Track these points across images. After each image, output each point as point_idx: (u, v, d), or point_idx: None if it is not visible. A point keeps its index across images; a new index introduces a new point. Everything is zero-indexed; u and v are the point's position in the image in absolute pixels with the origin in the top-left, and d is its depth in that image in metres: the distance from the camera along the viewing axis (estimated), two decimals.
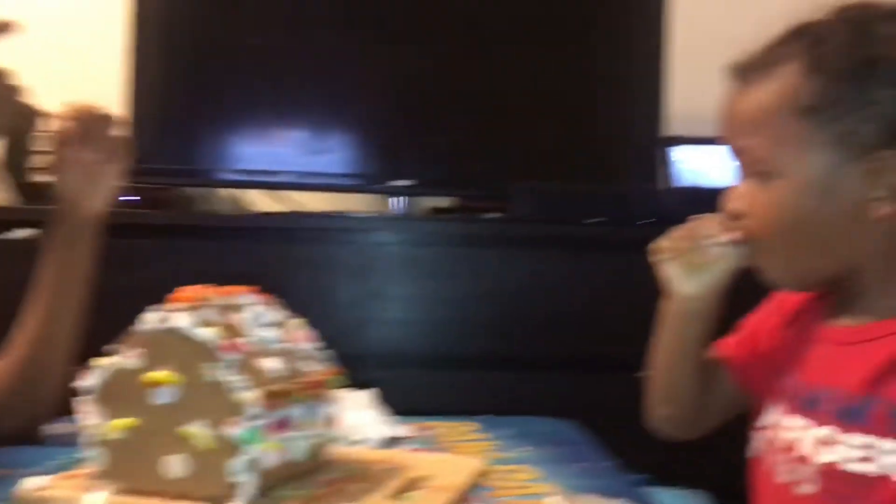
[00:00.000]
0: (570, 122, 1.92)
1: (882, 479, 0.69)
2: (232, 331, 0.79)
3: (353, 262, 1.69)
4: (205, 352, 0.76)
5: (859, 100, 0.70)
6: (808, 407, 0.75)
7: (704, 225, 0.84)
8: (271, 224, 1.75)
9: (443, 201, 2.03)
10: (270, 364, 0.79)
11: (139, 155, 1.76)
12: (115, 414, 0.77)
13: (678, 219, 1.78)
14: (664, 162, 1.91)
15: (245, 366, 0.76)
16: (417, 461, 0.92)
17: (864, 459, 0.69)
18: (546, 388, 1.51)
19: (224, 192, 1.99)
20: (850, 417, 0.71)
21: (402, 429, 1.07)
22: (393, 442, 1.04)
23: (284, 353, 0.83)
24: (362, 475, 0.85)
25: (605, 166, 1.93)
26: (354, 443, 1.02)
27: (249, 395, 0.74)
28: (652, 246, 0.88)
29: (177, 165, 1.83)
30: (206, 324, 0.77)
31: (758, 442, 0.83)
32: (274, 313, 0.88)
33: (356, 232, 1.71)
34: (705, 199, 1.78)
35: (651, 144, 1.89)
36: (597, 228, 1.77)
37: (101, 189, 1.02)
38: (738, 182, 0.79)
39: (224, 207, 2.00)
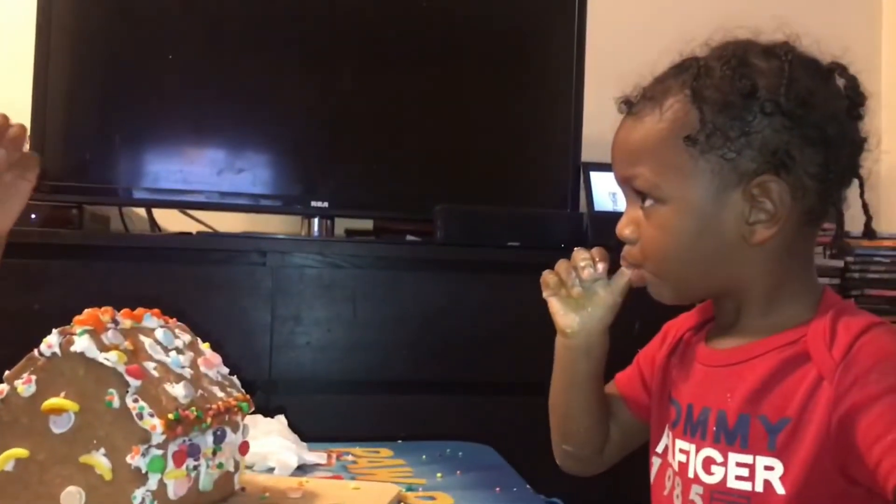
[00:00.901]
0: (490, 146, 1.94)
1: (761, 496, 0.71)
2: (136, 355, 0.77)
3: (269, 285, 1.66)
4: (107, 377, 0.73)
5: (738, 129, 0.73)
6: (695, 429, 0.77)
7: (579, 257, 0.86)
8: (185, 245, 1.70)
9: (363, 223, 2.02)
10: (177, 389, 0.76)
11: (48, 171, 1.72)
12: (6, 444, 0.73)
13: (597, 242, 1.83)
14: (583, 187, 1.94)
15: (149, 391, 0.73)
16: (331, 489, 0.90)
17: (745, 478, 0.72)
18: (463, 411, 1.50)
19: (139, 211, 1.93)
20: (731, 437, 0.73)
21: (314, 455, 1.04)
22: (306, 469, 1.02)
23: (192, 379, 0.81)
24: None
25: (525, 190, 1.96)
26: (266, 470, 1.00)
27: (154, 423, 0.71)
28: (541, 279, 0.89)
29: (87, 183, 1.76)
30: (109, 348, 0.74)
31: (654, 467, 0.85)
32: (181, 337, 0.86)
33: (272, 254, 1.68)
34: None
35: (570, 169, 1.92)
36: (516, 252, 1.78)
37: (8, 206, 0.96)
38: (625, 210, 0.81)
39: (140, 227, 1.94)
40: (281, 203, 1.86)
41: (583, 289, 0.84)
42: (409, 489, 0.94)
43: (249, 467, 1.00)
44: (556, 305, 0.87)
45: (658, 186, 0.76)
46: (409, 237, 1.90)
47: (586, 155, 1.92)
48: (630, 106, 0.81)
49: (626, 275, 0.84)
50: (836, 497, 0.70)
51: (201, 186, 1.79)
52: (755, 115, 0.73)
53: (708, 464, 0.74)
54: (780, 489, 0.70)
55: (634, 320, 1.79)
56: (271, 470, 0.99)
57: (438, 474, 1.01)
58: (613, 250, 1.89)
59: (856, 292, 2.16)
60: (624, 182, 0.80)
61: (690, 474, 0.76)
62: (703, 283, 0.79)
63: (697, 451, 0.76)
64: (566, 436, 0.91)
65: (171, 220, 1.93)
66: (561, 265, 0.88)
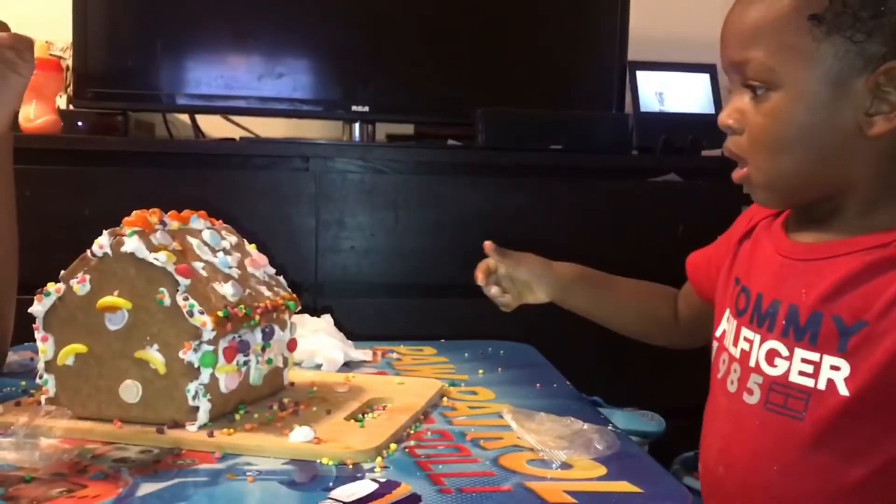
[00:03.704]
0: (532, 47, 1.89)
1: (822, 393, 0.70)
2: (185, 255, 0.79)
3: (312, 190, 1.67)
4: (157, 276, 0.75)
5: (871, 9, 0.67)
6: (762, 320, 0.75)
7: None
8: (228, 150, 1.72)
9: (404, 128, 2.00)
10: (225, 288, 0.79)
11: (92, 78, 1.74)
12: (67, 340, 0.76)
13: (642, 144, 1.80)
14: (628, 87, 1.90)
15: (199, 290, 0.76)
16: (376, 384, 0.93)
17: (808, 374, 0.71)
18: (503, 315, 1.52)
19: (183, 118, 1.94)
20: (800, 333, 0.72)
21: (360, 353, 1.07)
22: (352, 365, 1.05)
23: (239, 278, 0.83)
24: (321, 398, 0.86)
25: (569, 92, 1.92)
26: (314, 367, 1.03)
27: (204, 319, 0.74)
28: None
29: (131, 90, 1.78)
30: (158, 248, 0.76)
31: (713, 350, 0.85)
32: (228, 238, 0.87)
33: (314, 159, 1.69)
34: (668, 125, 1.81)
35: (615, 69, 1.88)
36: (559, 155, 1.77)
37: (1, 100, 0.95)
38: (731, 98, 0.75)
39: (184, 134, 1.96)
40: (321, 108, 1.86)
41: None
42: (452, 384, 0.96)
43: (298, 364, 1.03)
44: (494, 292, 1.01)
45: (773, 70, 0.70)
46: (451, 142, 1.89)
47: (632, 54, 1.87)
48: None
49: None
50: (893, 409, 0.69)
51: (242, 92, 1.79)
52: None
53: (772, 356, 0.73)
54: (843, 390, 0.69)
55: (678, 224, 1.80)
56: (319, 366, 1.02)
57: (480, 371, 1.03)
58: (657, 152, 1.86)
59: None
60: (734, 68, 0.74)
61: (752, 363, 0.75)
62: (809, 179, 0.73)
63: (762, 341, 0.74)
64: (622, 333, 1.01)
65: (215, 127, 1.94)
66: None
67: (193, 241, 0.82)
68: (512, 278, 1.00)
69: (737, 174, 0.77)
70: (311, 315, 1.15)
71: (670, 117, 1.83)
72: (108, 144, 1.68)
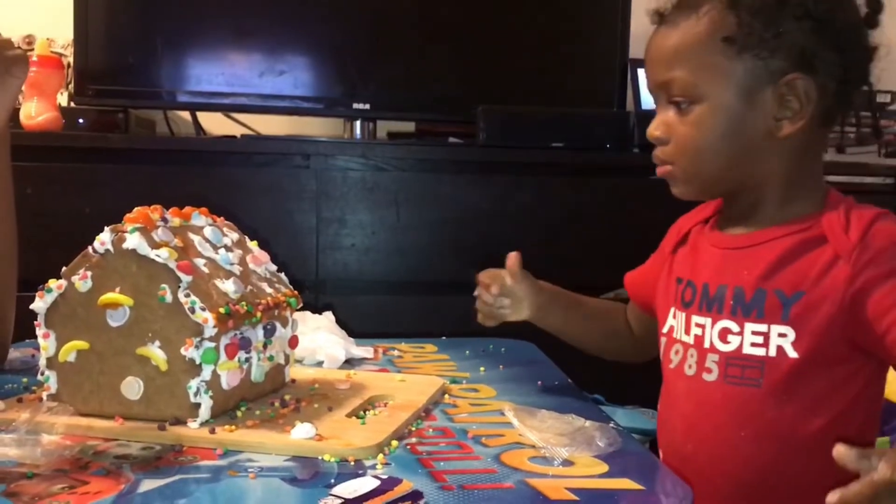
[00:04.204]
0: (534, 45, 1.89)
1: (774, 360, 0.80)
2: (186, 252, 0.79)
3: (313, 188, 1.67)
4: (159, 273, 0.75)
5: (772, 31, 0.79)
6: (710, 304, 0.85)
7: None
8: (229, 148, 1.72)
9: (406, 126, 2.00)
10: (227, 285, 0.79)
11: (92, 76, 1.74)
12: (68, 337, 0.76)
13: (644, 141, 1.79)
14: (630, 84, 1.89)
15: (200, 286, 0.76)
16: (377, 381, 0.93)
17: (759, 345, 0.80)
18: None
19: (184, 116, 1.94)
20: (747, 309, 0.81)
21: (362, 350, 1.07)
22: (353, 363, 1.05)
23: (241, 275, 0.83)
24: (322, 395, 0.86)
25: (570, 89, 1.92)
26: (315, 364, 1.03)
27: (206, 316, 0.74)
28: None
29: (131, 87, 1.78)
30: (160, 245, 0.76)
31: (661, 346, 0.92)
32: (229, 235, 0.87)
33: (315, 156, 1.69)
34: None
35: (616, 66, 1.87)
36: (560, 153, 1.77)
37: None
38: (657, 113, 0.86)
39: (185, 132, 1.96)
40: (323, 105, 1.86)
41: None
42: (454, 382, 0.96)
43: (299, 361, 1.03)
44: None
45: (695, 86, 0.81)
46: (452, 139, 1.89)
47: (634, 51, 1.86)
48: (661, 17, 0.86)
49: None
50: (839, 361, 0.79)
51: (243, 89, 1.79)
52: (787, 19, 0.79)
53: (724, 334, 0.82)
54: (791, 353, 0.79)
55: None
56: (320, 363, 1.02)
57: (482, 368, 1.03)
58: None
59: None
60: (659, 87, 0.85)
61: (706, 344, 0.84)
62: (728, 176, 0.84)
63: (714, 323, 0.83)
64: (586, 350, 1.04)
65: (216, 124, 1.94)
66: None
67: (195, 238, 0.82)
68: (511, 293, 0.99)
69: (660, 170, 0.88)
70: (313, 313, 1.15)
71: None
72: (110, 142, 1.68)
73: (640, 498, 0.63)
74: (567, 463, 0.69)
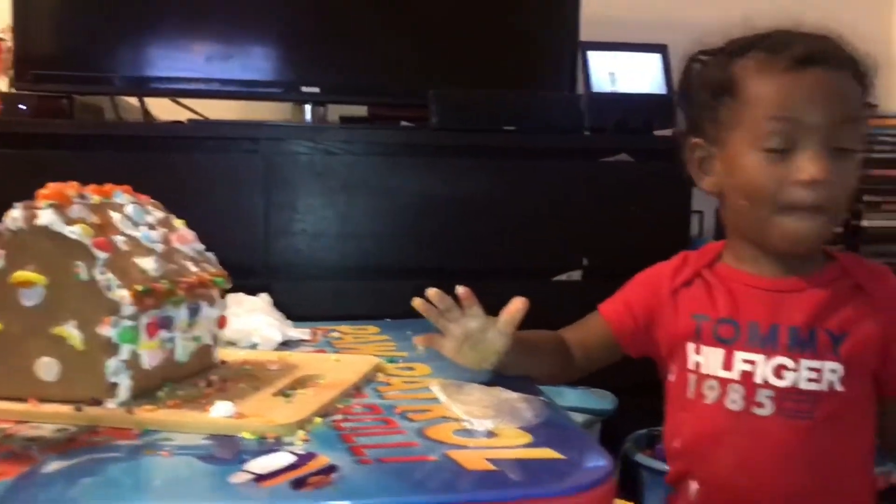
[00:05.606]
0: (486, 27, 1.88)
1: (827, 394, 0.85)
2: (104, 229, 0.77)
3: (261, 172, 1.65)
4: (74, 250, 0.73)
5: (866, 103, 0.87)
6: (764, 342, 0.87)
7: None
8: (175, 133, 1.68)
9: (359, 111, 1.98)
10: (146, 263, 0.77)
11: (32, 61, 1.70)
12: None
13: (594, 124, 1.79)
14: (580, 68, 1.89)
15: (118, 264, 0.74)
16: (310, 361, 0.92)
17: (815, 380, 0.85)
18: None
19: (133, 102, 1.90)
20: (802, 347, 0.86)
21: (299, 332, 1.06)
22: (291, 345, 1.03)
23: (163, 253, 0.81)
24: (251, 376, 0.84)
25: (523, 72, 1.91)
26: (250, 346, 1.01)
27: (122, 294, 0.72)
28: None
29: (74, 72, 1.73)
30: (75, 222, 0.74)
31: (693, 382, 0.91)
32: (153, 213, 0.85)
33: (264, 141, 1.66)
34: (620, 105, 1.81)
35: (567, 49, 1.87)
36: (512, 136, 1.76)
37: None
38: (819, 154, 0.84)
39: (132, 117, 1.92)
40: (271, 89, 1.83)
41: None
42: (391, 361, 0.95)
43: (234, 344, 1.01)
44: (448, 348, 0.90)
45: (859, 140, 0.85)
46: (404, 123, 1.87)
47: (584, 34, 1.86)
48: (815, 60, 0.85)
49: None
50: (868, 394, 0.88)
51: (190, 74, 1.76)
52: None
53: (780, 370, 0.86)
54: (839, 387, 0.85)
55: (631, 203, 1.80)
56: (255, 346, 1.01)
57: (421, 347, 1.02)
58: (609, 132, 1.86)
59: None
60: (837, 125, 0.84)
61: (758, 380, 0.87)
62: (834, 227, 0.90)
63: (768, 359, 0.86)
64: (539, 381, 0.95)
65: (166, 111, 1.90)
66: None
67: (115, 216, 0.80)
68: (487, 342, 0.88)
69: (814, 210, 0.85)
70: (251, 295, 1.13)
71: (622, 98, 1.83)
72: (50, 127, 1.64)
73: (558, 467, 0.62)
74: (491, 434, 0.68)
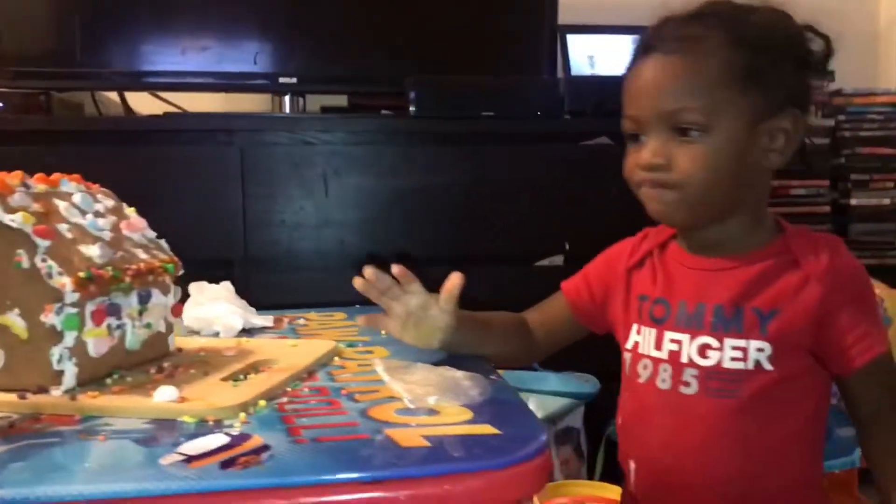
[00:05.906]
0: (462, 14, 1.87)
1: (753, 373, 0.84)
2: (47, 218, 0.76)
3: (238, 164, 1.64)
4: (15, 238, 0.73)
5: (774, 68, 0.83)
6: (689, 321, 0.88)
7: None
8: (151, 126, 1.68)
9: (339, 101, 1.98)
10: (91, 250, 0.77)
11: (8, 58, 1.70)
12: None
13: (574, 108, 1.78)
14: (559, 51, 1.88)
15: (60, 251, 0.74)
16: (267, 347, 0.92)
17: (739, 359, 0.84)
18: (435, 284, 1.53)
19: (113, 96, 1.90)
20: (727, 326, 0.85)
21: (261, 319, 1.05)
22: (254, 332, 1.03)
23: (112, 241, 0.81)
24: (204, 362, 0.84)
25: (501, 58, 1.90)
26: (212, 335, 1.01)
27: (63, 281, 0.72)
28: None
29: (50, 68, 1.74)
30: (16, 210, 0.74)
31: (627, 362, 0.93)
32: (103, 202, 0.85)
33: (240, 132, 1.66)
34: (599, 88, 1.80)
35: (545, 33, 1.86)
36: (491, 122, 1.75)
37: None
38: (650, 140, 0.85)
39: (113, 113, 1.92)
40: (248, 80, 1.83)
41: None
42: (351, 345, 0.94)
43: (196, 332, 1.01)
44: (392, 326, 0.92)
45: (707, 117, 0.83)
46: (384, 112, 1.87)
47: (562, 17, 1.85)
48: (650, 46, 0.86)
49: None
50: (805, 372, 0.86)
51: (165, 67, 1.76)
52: (786, 58, 0.85)
53: (704, 349, 0.86)
54: (767, 366, 0.84)
55: (611, 186, 1.79)
56: (217, 334, 1.01)
57: (383, 332, 1.02)
58: (589, 115, 1.84)
59: (847, 151, 2.11)
60: (662, 115, 0.84)
61: (684, 359, 0.87)
62: (722, 204, 0.87)
63: (692, 339, 0.87)
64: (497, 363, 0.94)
65: (146, 106, 1.91)
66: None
67: (61, 204, 0.80)
68: (430, 318, 0.89)
69: (655, 194, 0.86)
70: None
71: (601, 81, 1.82)
72: (30, 123, 1.64)
73: (492, 442, 0.62)
74: (432, 412, 0.68)
